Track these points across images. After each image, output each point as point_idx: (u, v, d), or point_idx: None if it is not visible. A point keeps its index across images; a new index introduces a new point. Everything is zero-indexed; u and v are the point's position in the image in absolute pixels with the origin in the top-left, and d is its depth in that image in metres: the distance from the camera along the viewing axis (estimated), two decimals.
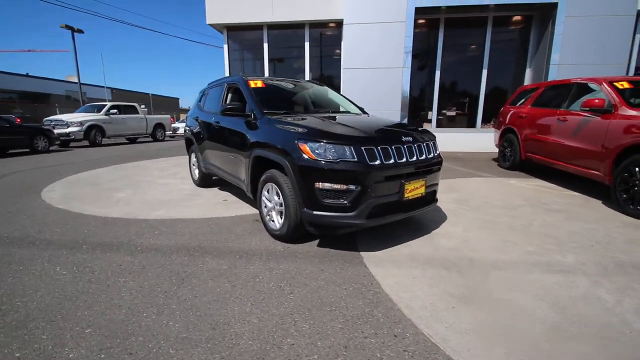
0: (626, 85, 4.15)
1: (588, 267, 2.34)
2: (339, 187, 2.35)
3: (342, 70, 8.31)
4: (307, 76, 9.34)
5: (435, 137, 3.03)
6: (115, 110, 12.74)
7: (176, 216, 3.54)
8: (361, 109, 4.02)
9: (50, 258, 2.50)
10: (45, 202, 4.10)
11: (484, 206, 3.85)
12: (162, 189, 4.79)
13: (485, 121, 8.87)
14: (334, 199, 2.39)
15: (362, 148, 2.38)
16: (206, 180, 4.75)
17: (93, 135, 11.70)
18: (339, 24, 8.91)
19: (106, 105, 12.72)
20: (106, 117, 12.24)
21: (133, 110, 13.51)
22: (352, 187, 2.35)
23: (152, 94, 46.55)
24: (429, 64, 8.92)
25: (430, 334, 1.64)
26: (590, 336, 1.61)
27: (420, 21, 8.62)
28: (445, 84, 8.97)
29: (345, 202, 2.38)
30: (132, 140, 14.26)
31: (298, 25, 9.10)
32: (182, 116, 27.00)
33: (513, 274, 2.24)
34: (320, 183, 2.37)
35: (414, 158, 2.61)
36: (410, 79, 8.24)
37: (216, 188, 4.82)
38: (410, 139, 2.66)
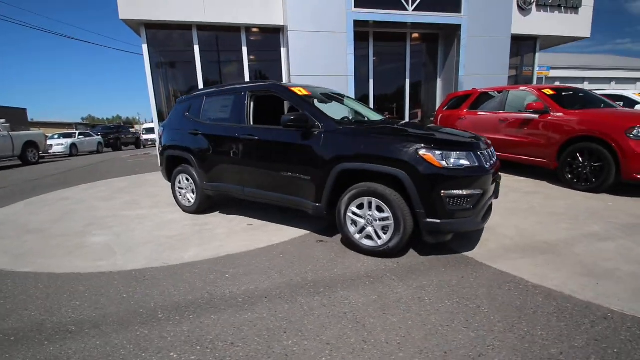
0: (551, 92, 5.46)
1: (610, 231, 3.03)
2: (465, 192, 2.39)
3: (290, 77, 8.14)
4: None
5: None
6: None
7: (220, 253, 2.89)
8: (380, 114, 4.08)
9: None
10: None
11: None
12: (147, 223, 3.78)
13: None
14: (458, 205, 2.41)
15: (479, 153, 2.49)
16: (206, 204, 3.99)
17: None
18: (278, 30, 8.70)
19: None
20: None
21: None
22: (476, 191, 2.42)
23: None
24: (365, 73, 9.61)
25: (630, 311, 1.86)
26: None
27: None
28: (377, 91, 9.82)
29: (469, 206, 2.44)
30: None
31: (233, 28, 8.46)
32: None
33: (588, 247, 2.72)
34: (448, 191, 2.36)
35: (495, 159, 2.86)
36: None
37: (216, 212, 4.10)
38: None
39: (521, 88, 5.95)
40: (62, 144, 15.31)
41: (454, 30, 9.32)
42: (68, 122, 37.71)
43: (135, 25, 7.89)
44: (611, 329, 1.70)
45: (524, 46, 10.96)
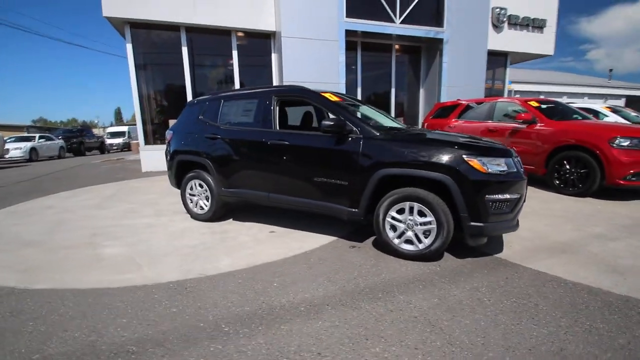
0: (536, 104, 5.91)
1: (613, 232, 3.33)
2: (505, 197, 2.52)
3: (283, 83, 8.10)
4: (237, 86, 8.61)
5: None
6: None
7: (256, 262, 2.79)
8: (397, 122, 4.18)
9: None
10: None
11: None
12: (160, 233, 3.56)
13: None
14: (499, 208, 2.54)
15: (514, 159, 2.63)
16: (221, 211, 3.84)
17: None
18: (269, 35, 8.66)
19: None
20: None
21: None
22: (514, 195, 2.56)
23: None
24: (352, 81, 9.81)
25: None
26: None
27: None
28: (364, 98, 10.04)
29: (507, 210, 2.57)
30: None
31: (224, 32, 8.29)
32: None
33: (601, 246, 2.96)
34: (491, 195, 2.48)
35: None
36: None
37: (230, 220, 3.96)
38: None
39: (507, 100, 6.39)
40: (20, 148, 13.95)
41: (436, 44, 9.80)
42: (17, 125, 34.49)
43: (120, 24, 7.51)
44: None
45: (496, 61, 11.76)
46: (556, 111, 6.07)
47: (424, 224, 2.65)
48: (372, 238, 3.25)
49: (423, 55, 10.38)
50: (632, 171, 4.47)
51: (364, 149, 2.81)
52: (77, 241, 3.35)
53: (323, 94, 3.22)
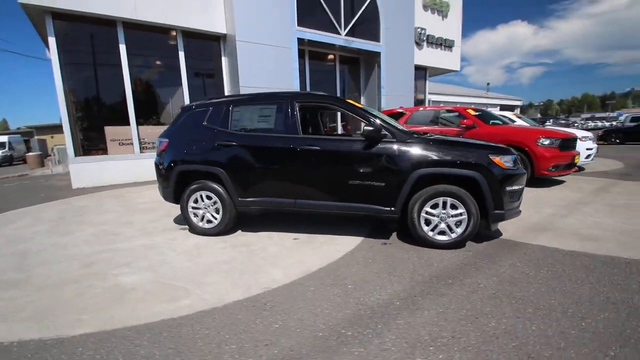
0: (473, 112, 7.05)
1: (560, 211, 4.29)
2: (517, 188, 3.06)
3: (240, 87, 7.79)
4: (185, 91, 7.94)
5: None
6: None
7: (310, 269, 2.75)
8: None
9: None
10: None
11: None
12: (170, 254, 3.15)
13: None
14: (512, 197, 3.06)
15: (516, 157, 3.20)
16: (233, 223, 3.59)
17: None
18: (219, 38, 8.24)
19: None
20: None
21: None
22: (521, 186, 3.13)
23: None
24: (303, 88, 9.99)
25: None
26: None
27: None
28: None
29: (516, 198, 3.12)
30: None
31: (169, 31, 7.57)
32: None
33: (562, 222, 3.79)
34: (509, 187, 2.98)
35: None
36: None
37: (238, 231, 3.73)
38: None
39: (449, 108, 7.46)
40: None
41: (374, 57, 10.73)
42: None
43: (38, 14, 6.21)
44: None
45: (418, 75, 13.40)
46: (486, 117, 7.34)
47: (456, 215, 3.02)
48: (395, 234, 3.51)
49: (362, 66, 11.23)
50: (552, 164, 5.76)
51: (400, 152, 3.05)
52: (73, 274, 2.74)
53: (350, 101, 3.36)
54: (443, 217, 3.05)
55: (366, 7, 9.96)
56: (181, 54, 7.79)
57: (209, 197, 3.53)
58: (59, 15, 6.36)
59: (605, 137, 15.60)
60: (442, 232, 3.08)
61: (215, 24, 7.87)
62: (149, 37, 7.48)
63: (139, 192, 6.31)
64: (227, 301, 2.26)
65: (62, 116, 6.55)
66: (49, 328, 1.99)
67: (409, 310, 2.09)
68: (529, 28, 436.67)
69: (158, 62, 7.89)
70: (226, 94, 8.47)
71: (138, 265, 2.90)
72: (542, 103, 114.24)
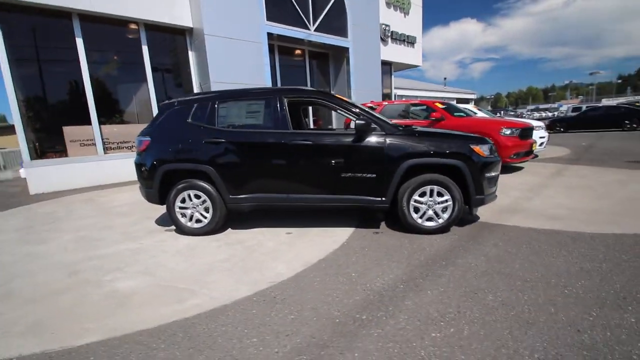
0: (441, 105, 7.44)
1: (525, 194, 4.72)
2: (494, 174, 3.33)
3: (211, 83, 7.55)
4: (151, 87, 7.55)
5: None
6: None
7: (310, 261, 2.81)
8: None
9: None
10: None
11: None
12: (162, 256, 3.04)
13: None
14: (490, 183, 3.32)
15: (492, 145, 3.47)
16: (223, 221, 3.54)
17: None
18: (184, 31, 7.89)
19: None
20: None
21: None
22: (497, 173, 3.40)
23: None
24: (274, 83, 9.88)
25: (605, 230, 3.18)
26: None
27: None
28: None
29: (494, 184, 3.39)
30: None
31: (130, 23, 7.13)
32: None
33: (529, 204, 4.18)
34: (488, 174, 3.23)
35: None
36: None
37: (228, 230, 3.69)
38: None
39: (418, 102, 7.81)
40: None
41: (342, 52, 10.87)
42: None
43: None
44: (619, 243, 2.93)
45: (384, 70, 13.77)
46: (451, 110, 7.77)
47: (442, 202, 3.22)
48: (383, 223, 3.67)
49: (331, 61, 11.34)
50: (514, 152, 6.26)
51: (390, 144, 3.19)
52: (61, 283, 2.57)
53: (338, 96, 3.43)
54: (430, 204, 3.24)
55: (333, 3, 10.05)
56: (145, 49, 7.38)
57: (197, 196, 3.45)
58: (4, 6, 5.74)
59: (551, 127, 17.10)
60: (429, 219, 3.28)
61: (181, 17, 7.54)
62: (109, 31, 7.00)
63: (109, 196, 5.94)
64: (236, 298, 2.26)
65: (14, 117, 5.95)
66: (51, 340, 1.87)
67: (414, 291, 2.23)
68: (478, 25, 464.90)
69: (120, 58, 7.41)
70: (195, 90, 8.18)
71: (131, 269, 2.78)
72: (492, 96, 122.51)
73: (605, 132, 14.71)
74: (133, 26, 7.22)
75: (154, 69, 7.59)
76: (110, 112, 7.42)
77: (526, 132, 6.63)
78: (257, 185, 3.39)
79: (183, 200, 3.48)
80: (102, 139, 7.00)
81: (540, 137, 8.19)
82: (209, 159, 3.35)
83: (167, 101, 3.70)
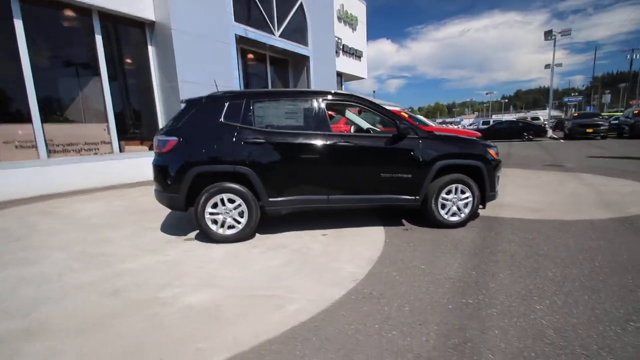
0: (406, 114, 8.15)
1: (511, 189, 5.54)
2: (499, 174, 3.87)
3: (179, 82, 6.93)
4: (105, 82, 6.60)
5: None
6: None
7: (372, 259, 2.89)
8: None
9: None
10: None
11: None
12: (209, 265, 2.76)
13: None
14: (497, 181, 3.86)
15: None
16: (256, 226, 3.36)
17: None
18: (144, 24, 7.13)
19: None
20: None
21: None
22: (501, 172, 3.96)
23: None
24: (236, 86, 9.51)
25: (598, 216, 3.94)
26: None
27: None
28: None
29: (498, 181, 3.93)
30: None
31: (81, 9, 6.15)
32: None
33: (512, 199, 4.93)
34: (497, 173, 3.76)
35: None
36: None
37: (256, 235, 3.50)
38: None
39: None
40: None
41: (303, 60, 11.08)
42: None
43: None
44: (609, 227, 3.66)
45: (337, 80, 14.38)
46: (415, 120, 8.59)
47: (464, 199, 3.63)
48: (403, 220, 3.93)
49: (290, 68, 11.43)
50: None
51: (424, 146, 3.47)
52: (106, 306, 2.14)
53: (371, 99, 3.59)
54: (454, 201, 3.62)
55: (295, 12, 10.21)
56: (98, 38, 6.43)
57: (230, 201, 3.22)
58: None
59: None
60: (453, 214, 3.65)
61: (144, 9, 6.81)
62: (57, 16, 5.93)
63: (70, 206, 4.98)
64: (335, 298, 2.23)
65: None
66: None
67: (488, 275, 2.51)
68: (392, 46, 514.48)
69: (69, 47, 6.31)
70: (154, 87, 7.42)
71: (186, 283, 2.47)
72: (408, 109, 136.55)
73: (512, 142, 17.73)
74: (85, 13, 6.25)
75: (109, 63, 6.67)
76: (56, 109, 6.25)
77: None
78: (298, 188, 3.33)
79: (214, 205, 3.20)
80: (46, 141, 5.84)
81: None
82: (249, 161, 3.17)
83: (191, 97, 3.37)
